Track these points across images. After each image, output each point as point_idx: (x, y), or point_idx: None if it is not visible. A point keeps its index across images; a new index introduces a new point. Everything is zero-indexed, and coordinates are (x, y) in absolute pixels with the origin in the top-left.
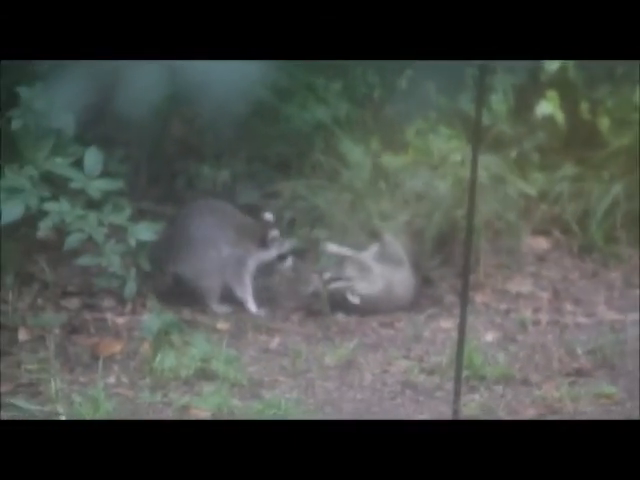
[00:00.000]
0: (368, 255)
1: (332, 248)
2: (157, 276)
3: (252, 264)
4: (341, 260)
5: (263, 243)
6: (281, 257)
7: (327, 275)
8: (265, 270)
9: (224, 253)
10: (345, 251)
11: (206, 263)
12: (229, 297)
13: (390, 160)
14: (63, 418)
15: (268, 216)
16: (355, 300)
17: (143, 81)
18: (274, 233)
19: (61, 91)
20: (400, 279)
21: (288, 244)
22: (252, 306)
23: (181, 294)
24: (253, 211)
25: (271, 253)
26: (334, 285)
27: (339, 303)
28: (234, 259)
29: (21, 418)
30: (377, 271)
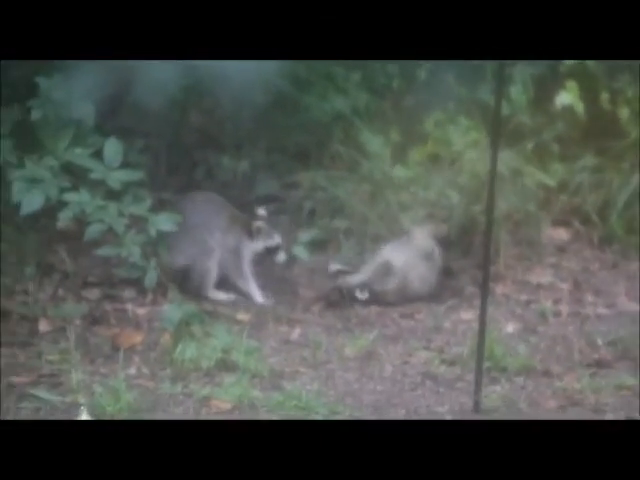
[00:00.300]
0: (390, 249)
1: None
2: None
3: (247, 254)
4: (361, 254)
5: (250, 234)
6: (270, 250)
7: (334, 268)
8: (264, 262)
9: (216, 238)
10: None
11: (198, 247)
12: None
13: (400, 173)
14: (84, 409)
15: (261, 211)
16: (363, 296)
17: (162, 72)
18: (258, 224)
19: (80, 82)
20: (421, 273)
21: (276, 238)
22: (258, 297)
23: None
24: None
25: (258, 244)
26: (341, 281)
27: (353, 297)
28: (229, 249)
29: (42, 409)
30: (398, 265)
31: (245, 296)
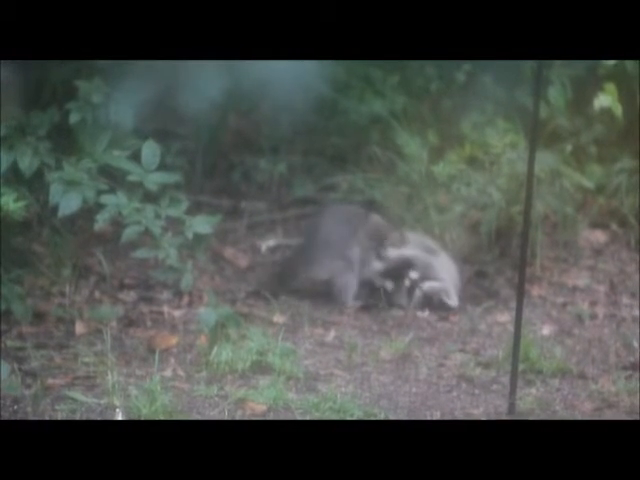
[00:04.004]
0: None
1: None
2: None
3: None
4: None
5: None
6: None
7: (415, 275)
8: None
9: (355, 254)
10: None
11: (340, 261)
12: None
13: (440, 170)
14: (119, 411)
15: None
16: (453, 302)
17: (201, 75)
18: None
19: (119, 85)
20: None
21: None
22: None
23: (315, 294)
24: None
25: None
26: (428, 285)
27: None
28: (362, 260)
29: (78, 411)
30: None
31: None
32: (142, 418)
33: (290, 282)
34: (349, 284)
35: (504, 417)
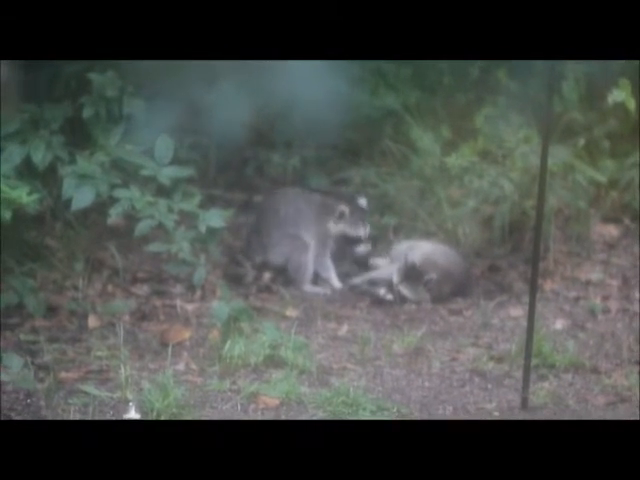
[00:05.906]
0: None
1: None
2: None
3: (330, 243)
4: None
5: (334, 218)
6: (350, 240)
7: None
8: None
9: (311, 232)
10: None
11: (294, 244)
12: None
13: (454, 161)
14: (132, 405)
15: (362, 201)
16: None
17: (214, 69)
18: (342, 208)
19: (132, 79)
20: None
21: (360, 230)
22: (336, 282)
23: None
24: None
25: (338, 228)
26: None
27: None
28: (319, 238)
29: (91, 405)
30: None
31: (323, 282)
32: (155, 412)
33: (247, 265)
34: (304, 266)
35: (517, 412)
